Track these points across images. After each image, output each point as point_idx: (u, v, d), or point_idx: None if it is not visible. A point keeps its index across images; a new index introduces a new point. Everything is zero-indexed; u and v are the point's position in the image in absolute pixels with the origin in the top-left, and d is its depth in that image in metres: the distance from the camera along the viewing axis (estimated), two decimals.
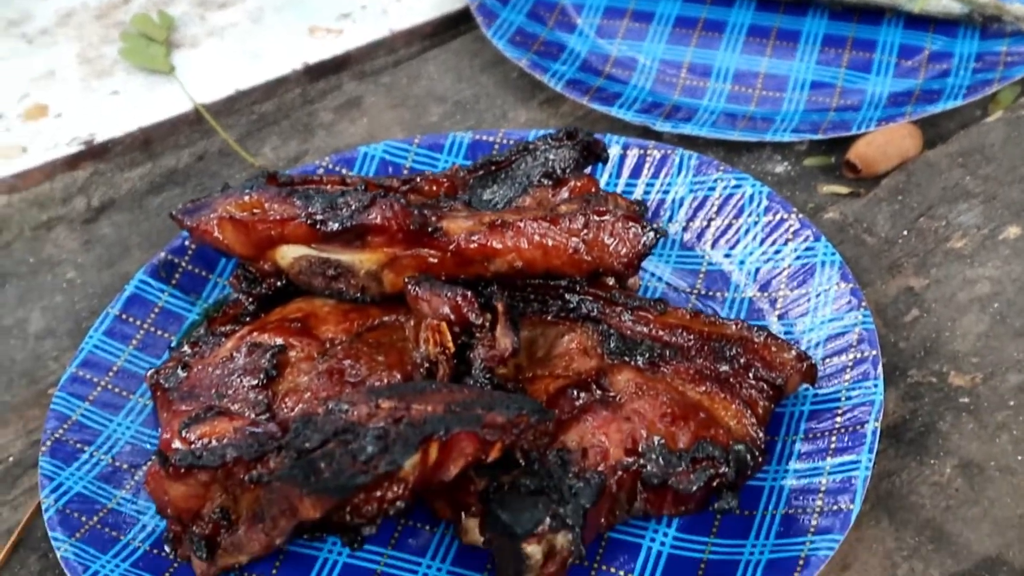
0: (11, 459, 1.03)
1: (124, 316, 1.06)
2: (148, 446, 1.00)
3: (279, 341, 0.95)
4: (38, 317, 1.13)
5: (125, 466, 0.98)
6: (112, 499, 0.96)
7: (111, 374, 1.03)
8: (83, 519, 0.94)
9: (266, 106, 1.29)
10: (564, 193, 1.03)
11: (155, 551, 0.93)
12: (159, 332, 1.06)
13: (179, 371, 0.97)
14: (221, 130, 1.26)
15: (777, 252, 1.06)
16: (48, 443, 0.98)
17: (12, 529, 0.98)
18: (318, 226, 0.96)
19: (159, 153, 1.25)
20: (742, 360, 0.95)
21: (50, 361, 1.10)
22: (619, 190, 1.13)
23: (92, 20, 1.38)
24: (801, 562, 0.86)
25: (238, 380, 0.93)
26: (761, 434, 0.93)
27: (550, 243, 0.96)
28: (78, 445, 0.98)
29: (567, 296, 0.98)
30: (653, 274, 1.08)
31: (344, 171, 1.15)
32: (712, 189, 1.10)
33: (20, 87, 1.31)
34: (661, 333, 0.96)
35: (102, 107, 1.28)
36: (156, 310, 1.07)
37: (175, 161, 1.25)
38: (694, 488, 0.89)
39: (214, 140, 1.26)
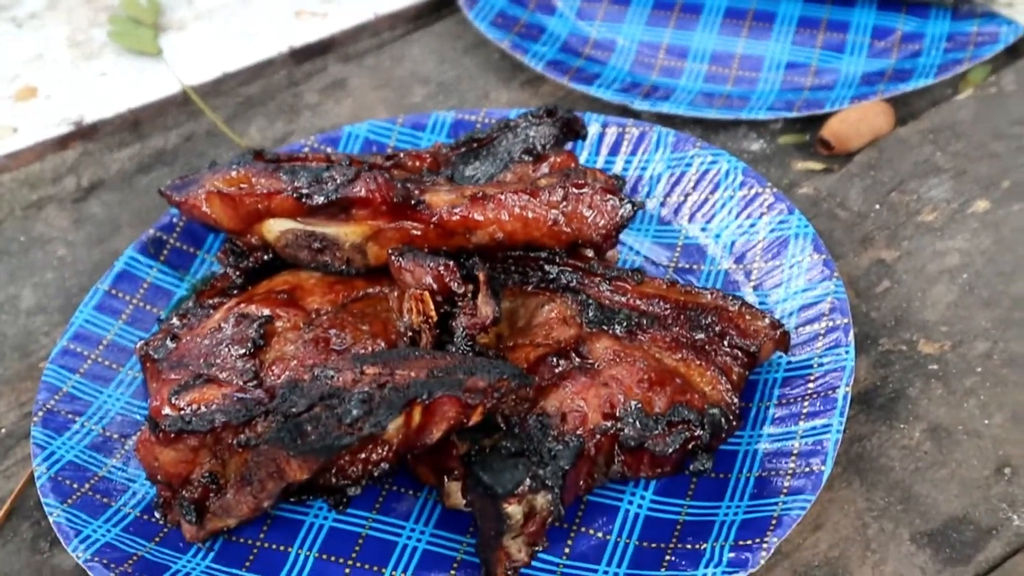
0: (3, 431, 1.05)
1: (114, 291, 1.08)
2: (138, 417, 1.02)
3: (266, 312, 0.98)
4: (29, 294, 1.15)
5: (115, 436, 1.01)
6: (103, 467, 0.98)
7: (101, 347, 1.05)
8: (75, 486, 0.96)
9: (252, 88, 1.31)
10: (544, 168, 1.05)
11: (145, 516, 0.96)
12: (148, 307, 1.09)
13: (168, 342, 0.99)
14: (209, 111, 1.28)
15: (752, 225, 1.09)
16: (40, 414, 1.00)
17: (5, 498, 1.00)
18: (304, 199, 0.99)
19: (148, 134, 1.27)
20: (717, 328, 0.97)
21: (41, 336, 1.12)
22: (598, 167, 1.15)
23: (81, 4, 1.40)
24: (774, 522, 0.89)
25: (226, 349, 0.95)
26: (735, 399, 0.95)
27: (530, 215, 0.98)
28: (69, 416, 1.01)
29: (547, 267, 1.00)
30: (632, 248, 1.10)
31: (329, 150, 1.17)
32: (689, 165, 1.13)
33: (10, 70, 1.33)
34: (638, 302, 0.99)
35: (91, 89, 1.30)
36: (145, 286, 1.09)
37: (163, 142, 1.27)
38: (670, 450, 0.92)
39: (202, 121, 1.28)
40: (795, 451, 0.94)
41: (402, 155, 1.08)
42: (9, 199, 1.22)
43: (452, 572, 0.92)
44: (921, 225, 1.12)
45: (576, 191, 0.99)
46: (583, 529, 0.93)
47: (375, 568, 0.92)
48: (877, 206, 1.13)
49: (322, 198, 0.99)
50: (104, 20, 1.38)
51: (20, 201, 1.22)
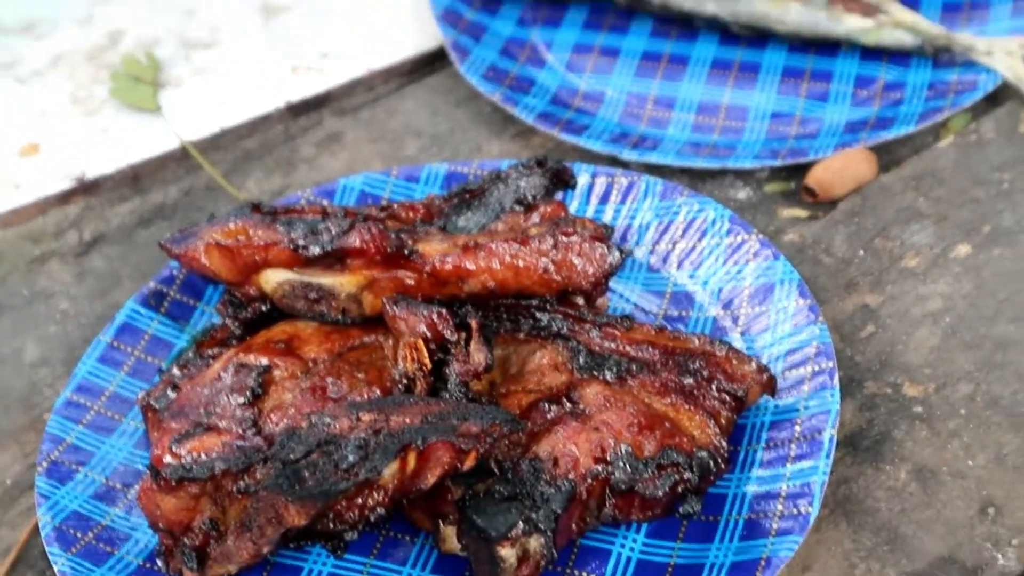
0: (8, 482, 1.07)
1: (116, 344, 1.11)
2: (140, 466, 1.04)
3: (264, 361, 1.00)
4: (33, 347, 1.17)
5: (118, 485, 1.02)
6: (106, 516, 1.00)
7: (103, 398, 1.07)
8: (78, 535, 0.98)
9: (250, 142, 1.34)
10: (535, 218, 1.08)
11: (148, 565, 0.97)
12: (149, 358, 1.11)
13: (169, 392, 1.02)
14: (208, 165, 1.31)
15: (739, 272, 1.11)
16: (44, 464, 1.02)
17: (10, 548, 1.02)
18: (300, 251, 1.01)
19: (148, 188, 1.30)
20: (705, 373, 0.99)
21: (45, 388, 1.14)
22: (588, 216, 1.18)
23: (83, 62, 1.43)
24: (763, 563, 0.91)
25: (225, 398, 0.98)
26: (724, 442, 0.97)
27: (521, 264, 1.01)
28: (73, 466, 1.03)
29: (538, 314, 1.03)
30: (622, 295, 1.13)
31: (325, 202, 1.20)
32: (676, 213, 1.16)
33: (13, 126, 1.36)
34: (628, 348, 1.01)
35: (92, 145, 1.33)
36: (146, 337, 1.12)
37: (163, 196, 1.30)
38: (660, 493, 0.94)
39: (200, 175, 1.31)
40: (783, 493, 0.96)
41: (396, 207, 1.10)
42: (12, 254, 1.25)
43: None
44: (904, 270, 1.14)
45: (565, 239, 1.01)
46: (576, 572, 0.95)
47: None
48: (861, 252, 1.16)
49: (318, 249, 1.01)
50: (105, 77, 1.41)
51: (23, 256, 1.25)
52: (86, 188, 1.29)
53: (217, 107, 1.36)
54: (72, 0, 1.51)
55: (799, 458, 0.97)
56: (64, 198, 1.28)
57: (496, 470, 0.92)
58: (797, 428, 0.99)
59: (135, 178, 1.31)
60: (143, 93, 1.37)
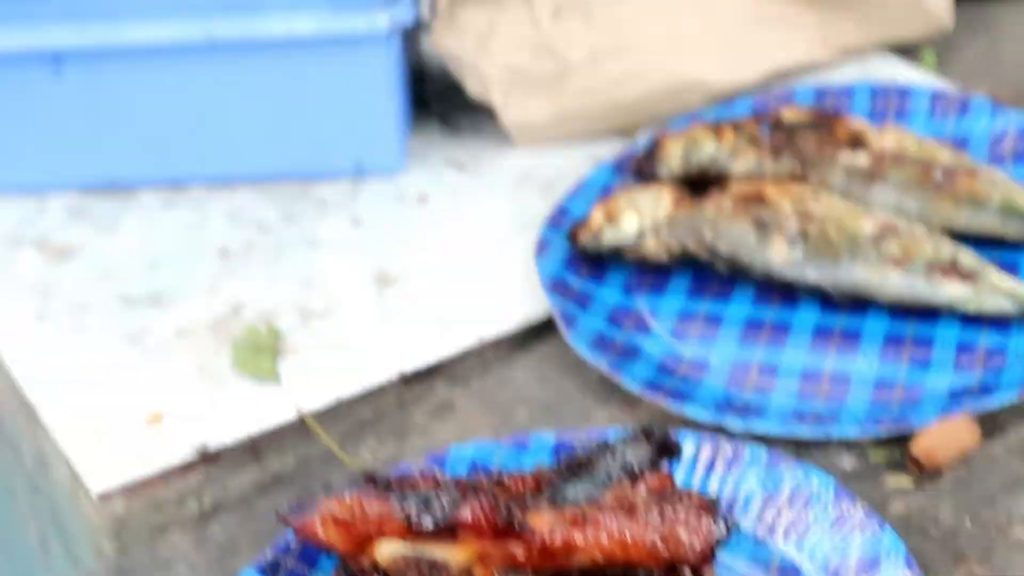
0: None
1: None
2: None
3: None
4: None
5: None
6: None
7: None
8: None
9: (364, 410, 1.38)
10: (642, 489, 1.10)
11: None
12: None
13: None
14: (324, 436, 1.35)
15: (845, 544, 1.11)
16: None
17: None
18: (413, 524, 1.04)
19: (266, 457, 1.34)
20: None
21: None
22: (694, 484, 1.19)
23: (206, 333, 1.49)
24: None
25: None
26: None
27: (628, 537, 1.03)
28: None
29: None
30: (728, 567, 1.14)
31: (436, 471, 1.23)
32: (781, 483, 1.17)
33: (138, 396, 1.42)
34: None
35: (214, 415, 1.38)
36: None
37: (280, 465, 1.34)
38: None
39: (316, 444, 1.35)
40: None
41: (506, 478, 1.13)
42: (135, 523, 1.29)
43: None
44: (1013, 542, 1.14)
45: (672, 513, 1.03)
46: None
47: None
48: (968, 523, 1.16)
49: (430, 522, 1.04)
50: (227, 347, 1.47)
51: (146, 524, 1.29)
52: (207, 458, 1.33)
53: (333, 376, 1.41)
54: (197, 273, 1.59)
55: None
56: (186, 468, 1.33)
57: None
58: None
59: (254, 447, 1.35)
60: (263, 363, 1.43)
